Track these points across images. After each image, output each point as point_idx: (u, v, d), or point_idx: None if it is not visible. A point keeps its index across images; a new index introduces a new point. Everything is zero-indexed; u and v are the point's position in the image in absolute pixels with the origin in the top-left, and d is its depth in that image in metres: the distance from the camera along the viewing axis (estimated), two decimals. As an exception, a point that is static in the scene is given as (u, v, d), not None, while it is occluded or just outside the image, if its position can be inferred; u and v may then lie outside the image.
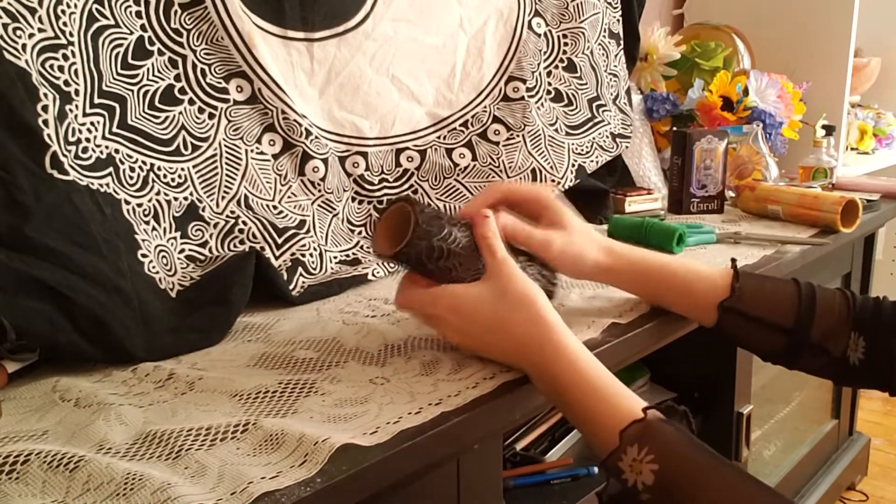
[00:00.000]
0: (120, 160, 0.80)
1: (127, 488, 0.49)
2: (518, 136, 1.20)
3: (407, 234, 0.66)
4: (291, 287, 0.92)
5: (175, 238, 0.85)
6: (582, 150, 1.29)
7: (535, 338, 0.63)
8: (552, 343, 0.62)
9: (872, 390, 0.81)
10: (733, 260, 0.81)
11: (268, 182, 0.94)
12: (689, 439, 0.54)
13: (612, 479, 0.55)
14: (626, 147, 1.40)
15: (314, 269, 0.95)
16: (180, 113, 0.87)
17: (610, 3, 1.40)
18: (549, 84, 1.30)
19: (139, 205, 0.81)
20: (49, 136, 0.71)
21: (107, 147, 0.79)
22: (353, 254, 1.02)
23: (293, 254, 0.94)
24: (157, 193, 0.84)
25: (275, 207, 0.94)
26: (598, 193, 1.32)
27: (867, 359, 0.73)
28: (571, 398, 0.60)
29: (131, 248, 0.78)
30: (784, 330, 0.75)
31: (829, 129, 1.68)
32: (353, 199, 1.05)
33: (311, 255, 0.95)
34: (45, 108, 0.71)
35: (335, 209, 1.01)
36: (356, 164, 1.05)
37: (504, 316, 0.65)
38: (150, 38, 0.85)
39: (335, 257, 0.99)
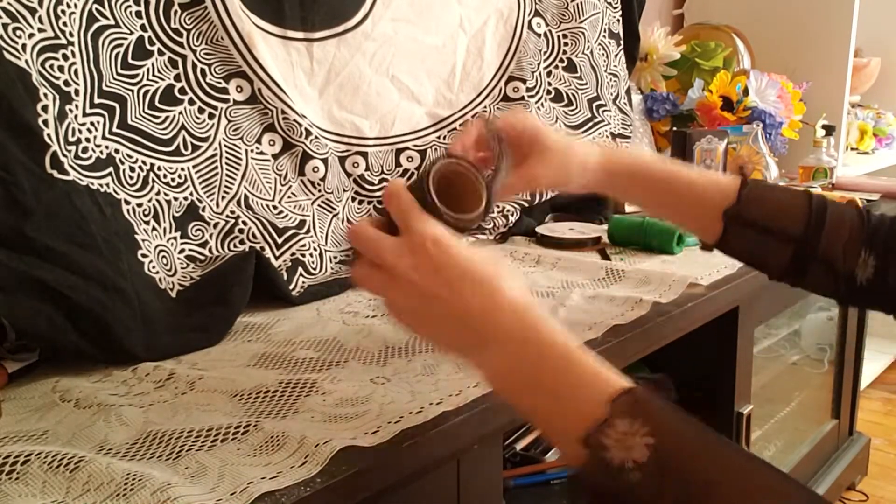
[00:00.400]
0: (120, 160, 0.80)
1: (127, 488, 0.49)
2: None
3: (464, 195, 0.57)
4: (291, 287, 0.92)
5: (175, 238, 0.85)
6: (582, 150, 1.29)
7: (494, 308, 0.50)
8: (519, 311, 0.50)
9: (876, 311, 0.76)
10: (741, 168, 0.78)
11: (268, 182, 0.94)
12: (684, 416, 0.46)
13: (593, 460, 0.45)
14: (627, 147, 1.40)
15: (314, 269, 0.95)
16: (180, 113, 0.87)
17: (610, 3, 1.40)
18: (549, 84, 1.30)
19: (139, 205, 0.81)
20: (49, 136, 0.71)
21: (107, 147, 0.79)
22: (354, 253, 1.02)
23: (293, 254, 0.94)
24: (157, 193, 0.84)
25: (275, 207, 0.94)
26: (597, 193, 1.32)
27: (875, 279, 0.69)
28: (546, 371, 0.49)
29: (131, 247, 0.78)
30: (791, 239, 0.70)
31: (829, 129, 1.68)
32: (354, 199, 1.05)
33: (311, 255, 0.95)
34: (45, 108, 0.71)
35: (335, 209, 1.01)
36: (356, 164, 1.05)
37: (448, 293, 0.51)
38: (150, 38, 0.85)
39: (335, 257, 0.99)
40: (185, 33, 0.87)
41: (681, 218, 0.77)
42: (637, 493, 0.43)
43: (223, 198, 0.89)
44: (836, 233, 0.70)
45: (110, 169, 0.79)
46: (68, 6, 0.76)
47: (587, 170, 0.74)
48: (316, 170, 0.97)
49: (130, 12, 0.83)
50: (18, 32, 0.71)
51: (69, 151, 0.74)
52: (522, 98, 1.22)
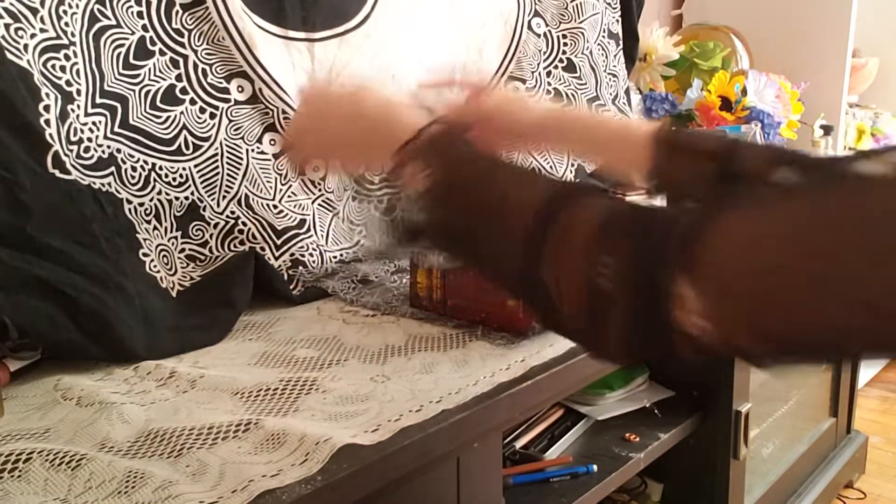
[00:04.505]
0: (121, 160, 0.81)
1: (128, 486, 0.50)
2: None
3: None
4: (292, 287, 0.93)
5: (176, 237, 0.85)
6: (581, 149, 1.29)
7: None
8: (392, 101, 0.64)
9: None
10: None
11: (268, 181, 0.94)
12: (463, 141, 0.58)
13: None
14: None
15: (314, 268, 0.96)
16: (181, 113, 0.87)
17: (609, 4, 1.40)
18: (549, 84, 1.30)
19: (140, 204, 0.82)
20: (51, 135, 0.71)
21: (108, 147, 0.79)
22: (354, 253, 1.02)
23: (293, 254, 0.94)
24: (159, 193, 0.84)
25: (275, 207, 0.94)
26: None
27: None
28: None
29: (133, 247, 0.79)
30: (713, 155, 0.70)
31: (827, 129, 1.68)
32: (354, 199, 1.05)
33: (311, 254, 0.96)
34: (46, 108, 0.72)
35: (335, 208, 1.01)
36: (356, 164, 1.05)
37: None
38: (151, 38, 0.85)
39: (335, 257, 1.00)
40: (186, 33, 0.88)
41: (610, 154, 0.77)
42: (431, 211, 0.55)
43: (224, 197, 0.90)
44: (754, 150, 0.68)
45: (112, 168, 0.79)
46: (70, 6, 0.77)
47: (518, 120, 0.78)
48: (316, 169, 0.98)
49: (132, 12, 0.83)
50: (20, 33, 0.71)
51: (71, 151, 0.74)
52: (522, 98, 1.22)
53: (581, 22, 1.32)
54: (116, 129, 0.81)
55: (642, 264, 0.43)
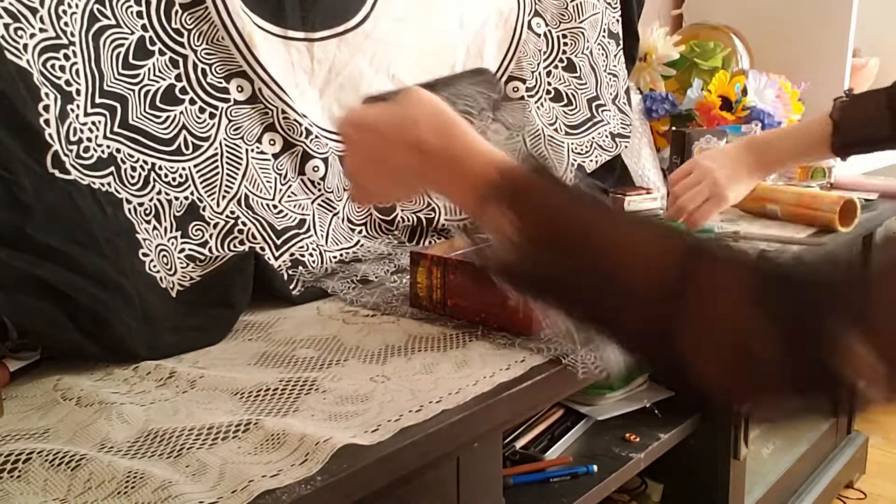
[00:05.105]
0: (121, 160, 0.81)
1: (128, 486, 0.50)
2: (518, 135, 1.20)
3: None
4: (292, 287, 0.93)
5: (175, 238, 0.85)
6: (581, 149, 1.29)
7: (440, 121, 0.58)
8: (452, 124, 0.57)
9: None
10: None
11: (268, 181, 0.94)
12: (546, 182, 0.52)
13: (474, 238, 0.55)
14: (626, 147, 1.41)
15: (314, 268, 0.96)
16: (181, 112, 0.87)
17: (609, 4, 1.40)
18: (549, 84, 1.30)
19: (140, 204, 0.82)
20: (50, 135, 0.71)
21: (108, 146, 0.79)
22: (354, 253, 1.02)
23: (293, 254, 0.94)
24: (158, 193, 0.84)
25: (275, 206, 0.94)
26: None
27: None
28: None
29: (132, 247, 0.79)
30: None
31: (828, 129, 1.67)
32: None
33: (310, 254, 0.96)
34: (46, 108, 0.72)
35: (335, 208, 1.01)
36: (356, 164, 1.05)
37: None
38: (150, 38, 0.85)
39: (335, 256, 1.00)
40: (185, 33, 0.88)
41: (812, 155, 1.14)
42: (527, 262, 0.50)
43: (223, 197, 0.90)
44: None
45: (111, 168, 0.79)
46: (69, 6, 0.77)
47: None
48: (316, 169, 0.98)
49: (131, 12, 0.83)
50: (20, 32, 0.71)
51: (70, 151, 0.74)
52: (522, 98, 1.22)
53: (581, 22, 1.32)
54: (116, 129, 0.81)
55: (807, 322, 0.42)
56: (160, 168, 0.84)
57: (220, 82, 0.91)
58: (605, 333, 0.52)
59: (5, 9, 0.71)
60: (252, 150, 0.93)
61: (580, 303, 0.51)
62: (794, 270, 0.46)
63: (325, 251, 0.98)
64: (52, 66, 0.74)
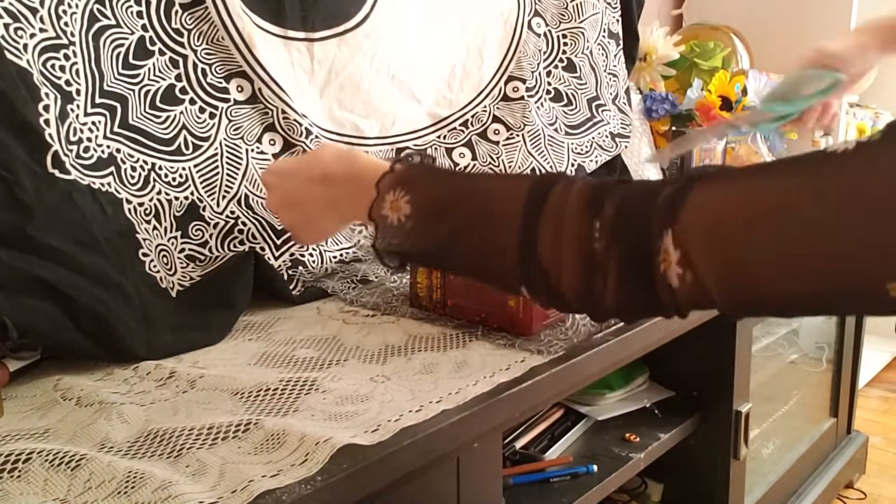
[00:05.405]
0: (121, 160, 0.81)
1: (128, 486, 0.50)
2: (518, 135, 1.20)
3: None
4: (292, 287, 0.93)
5: (176, 238, 0.85)
6: (581, 149, 1.29)
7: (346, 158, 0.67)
8: (352, 153, 0.68)
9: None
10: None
11: (268, 181, 0.94)
12: (438, 174, 0.61)
13: (380, 232, 0.61)
14: (626, 147, 1.41)
15: (314, 268, 0.96)
16: (181, 112, 0.87)
17: (609, 4, 1.40)
18: (549, 84, 1.30)
19: (140, 204, 0.82)
20: (51, 135, 0.71)
21: (108, 147, 0.79)
22: (353, 253, 1.02)
23: (293, 254, 0.94)
24: (158, 193, 0.84)
25: (275, 207, 0.94)
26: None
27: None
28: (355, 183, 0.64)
29: (132, 247, 0.79)
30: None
31: (828, 129, 1.68)
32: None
33: (310, 254, 0.96)
34: (46, 108, 0.72)
35: (335, 208, 1.01)
36: (356, 164, 1.05)
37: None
38: (150, 38, 0.85)
39: (335, 256, 1.00)
40: (185, 33, 0.88)
41: None
42: (416, 236, 0.58)
43: (224, 197, 0.90)
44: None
45: (112, 168, 0.79)
46: (69, 6, 0.77)
47: None
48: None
49: (131, 12, 0.83)
50: (20, 32, 0.71)
51: (71, 151, 0.74)
52: (522, 98, 1.22)
53: (581, 22, 1.32)
54: (116, 129, 0.81)
55: (631, 222, 0.48)
56: (160, 168, 0.84)
57: (220, 82, 0.91)
58: (491, 279, 0.59)
59: (5, 9, 0.71)
60: (252, 150, 0.93)
61: (460, 254, 0.59)
62: (623, 183, 0.52)
63: (324, 251, 0.98)
64: (53, 66, 0.74)
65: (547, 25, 1.30)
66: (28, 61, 0.71)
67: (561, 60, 1.31)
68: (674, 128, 1.58)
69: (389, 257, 0.62)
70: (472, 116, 1.18)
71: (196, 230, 0.87)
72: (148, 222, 0.82)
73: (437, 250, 0.59)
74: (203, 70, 0.89)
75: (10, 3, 0.71)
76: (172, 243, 0.85)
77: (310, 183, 0.68)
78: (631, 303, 0.51)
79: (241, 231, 0.90)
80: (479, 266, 0.58)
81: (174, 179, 0.86)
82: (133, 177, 0.82)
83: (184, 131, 0.87)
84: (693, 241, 0.45)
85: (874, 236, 0.39)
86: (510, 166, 1.18)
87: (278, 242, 0.93)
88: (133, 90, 0.83)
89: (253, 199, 0.92)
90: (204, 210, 0.88)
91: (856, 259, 0.40)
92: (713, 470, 1.21)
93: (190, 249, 0.87)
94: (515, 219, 0.53)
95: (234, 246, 0.90)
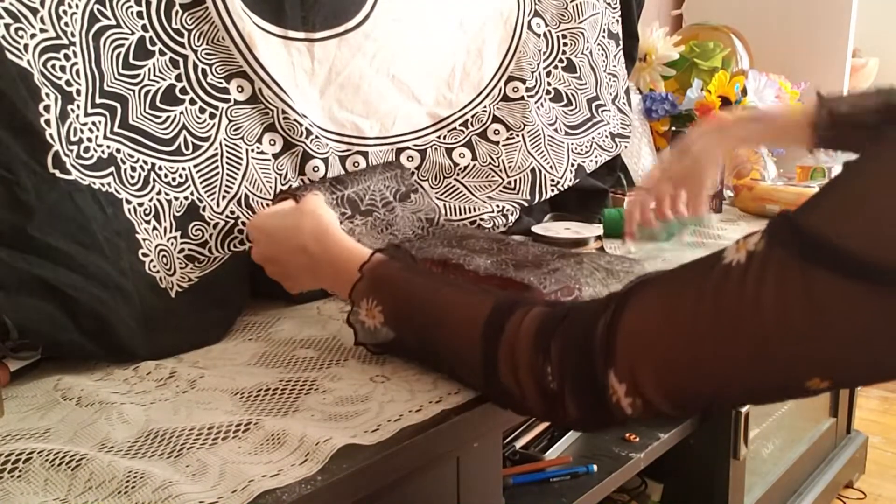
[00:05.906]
0: (121, 160, 0.81)
1: (128, 486, 0.50)
2: (518, 135, 1.20)
3: None
4: (292, 286, 0.93)
5: (175, 238, 0.85)
6: (581, 149, 1.29)
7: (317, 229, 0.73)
8: (327, 232, 0.73)
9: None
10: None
11: (268, 181, 0.94)
12: (409, 276, 0.66)
13: (358, 328, 0.68)
14: (626, 147, 1.41)
15: (314, 268, 0.96)
16: (181, 113, 0.87)
17: (609, 4, 1.40)
18: (549, 84, 1.30)
19: (140, 204, 0.82)
20: (51, 135, 0.71)
21: (108, 147, 0.79)
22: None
23: (293, 253, 0.94)
24: (158, 193, 0.84)
25: (275, 207, 0.94)
26: (597, 193, 1.32)
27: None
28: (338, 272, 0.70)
29: (132, 247, 0.79)
30: (874, 112, 0.91)
31: (828, 129, 1.68)
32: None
33: (311, 254, 0.96)
34: (46, 108, 0.72)
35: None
36: (356, 164, 1.05)
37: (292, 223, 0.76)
38: (151, 38, 0.85)
39: (335, 256, 1.00)
40: (186, 33, 0.88)
41: (784, 140, 1.04)
42: (393, 339, 0.66)
43: (223, 197, 0.90)
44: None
45: (112, 168, 0.79)
46: (70, 6, 0.77)
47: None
48: (316, 169, 0.98)
49: (132, 13, 0.83)
50: (20, 33, 0.71)
51: (71, 151, 0.74)
52: (522, 98, 1.22)
53: (581, 22, 1.32)
54: (116, 129, 0.81)
55: (577, 363, 0.52)
56: (160, 168, 0.84)
57: (221, 82, 0.91)
58: (465, 383, 0.65)
59: (6, 9, 0.71)
60: (252, 151, 0.93)
61: (438, 362, 0.66)
62: (569, 311, 0.55)
63: (325, 251, 0.98)
64: (53, 66, 0.74)
65: (547, 26, 1.30)
66: (29, 61, 0.71)
67: (561, 61, 1.31)
68: (674, 128, 1.58)
69: (377, 349, 0.70)
70: (472, 116, 1.18)
71: (196, 230, 0.87)
72: (148, 222, 0.82)
73: (419, 355, 0.68)
74: (203, 70, 0.89)
75: (11, 4, 0.71)
76: (172, 243, 0.85)
77: (289, 252, 0.74)
78: (593, 421, 0.55)
79: (240, 231, 0.90)
80: (458, 378, 0.65)
81: (174, 179, 0.86)
82: (133, 177, 0.82)
83: (184, 131, 0.87)
84: (635, 372, 0.49)
85: (782, 348, 0.42)
86: (510, 166, 1.18)
87: (278, 242, 0.93)
88: (133, 90, 0.83)
89: (253, 200, 0.92)
90: (204, 210, 0.88)
91: (772, 366, 0.43)
92: (713, 470, 1.21)
93: (190, 249, 0.87)
94: (475, 346, 0.58)
95: (234, 246, 0.90)
